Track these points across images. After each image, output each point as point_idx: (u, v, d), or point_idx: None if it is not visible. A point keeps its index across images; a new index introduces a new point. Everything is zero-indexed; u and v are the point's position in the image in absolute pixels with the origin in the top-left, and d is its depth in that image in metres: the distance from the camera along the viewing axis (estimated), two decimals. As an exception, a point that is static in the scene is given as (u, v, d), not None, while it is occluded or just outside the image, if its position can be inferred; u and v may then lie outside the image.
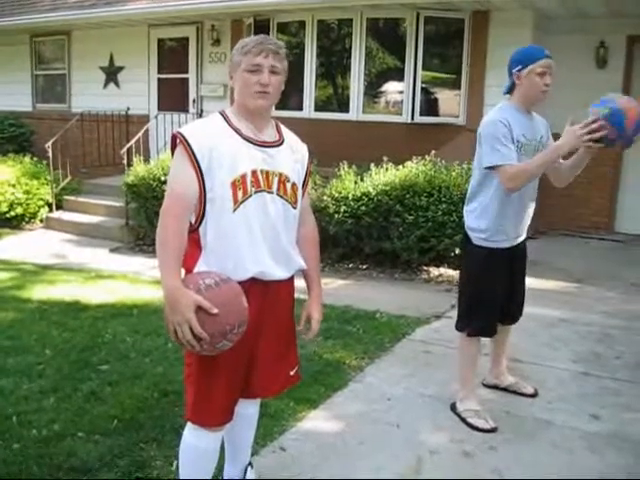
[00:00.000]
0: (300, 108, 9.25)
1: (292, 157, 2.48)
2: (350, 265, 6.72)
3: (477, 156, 3.45)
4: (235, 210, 2.28)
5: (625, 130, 3.09)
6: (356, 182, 6.70)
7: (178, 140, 2.28)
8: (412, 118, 8.49)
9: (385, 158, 6.86)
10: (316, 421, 3.55)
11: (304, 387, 3.85)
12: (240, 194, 2.29)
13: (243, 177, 2.29)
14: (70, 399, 3.71)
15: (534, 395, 3.88)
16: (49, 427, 3.37)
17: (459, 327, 3.64)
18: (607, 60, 8.40)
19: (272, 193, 2.38)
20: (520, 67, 3.32)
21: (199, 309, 2.11)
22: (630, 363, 4.47)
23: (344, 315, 5.15)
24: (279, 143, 2.46)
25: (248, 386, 2.49)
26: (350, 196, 6.54)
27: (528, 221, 3.65)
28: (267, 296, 2.42)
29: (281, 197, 2.41)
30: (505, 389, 3.94)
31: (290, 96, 9.50)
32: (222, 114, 2.41)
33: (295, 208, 2.48)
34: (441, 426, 3.53)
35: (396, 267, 6.55)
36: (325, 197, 6.67)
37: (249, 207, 2.31)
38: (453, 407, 3.68)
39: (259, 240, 2.35)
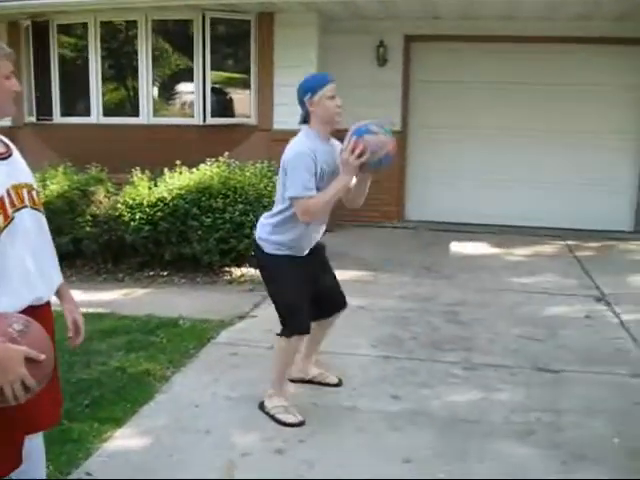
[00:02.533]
0: (88, 114, 8.86)
1: (24, 163, 2.30)
2: (151, 273, 6.53)
3: (281, 183, 3.49)
4: None
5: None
6: (150, 188, 6.52)
7: None
8: (204, 120, 8.43)
9: (178, 162, 6.74)
10: (123, 439, 3.39)
11: (108, 406, 3.69)
12: (1, 219, 2.06)
13: (1, 199, 2.07)
14: None
15: (339, 384, 4.00)
16: None
17: (282, 333, 3.60)
18: (387, 58, 8.88)
19: (26, 207, 2.18)
20: (310, 95, 3.43)
21: (26, 360, 1.89)
22: (425, 342, 4.76)
23: (146, 325, 4.98)
24: (9, 153, 2.23)
25: (29, 420, 2.21)
26: (145, 202, 6.35)
27: (321, 234, 3.73)
28: (39, 322, 2.23)
29: (35, 209, 2.23)
30: (310, 381, 4.02)
31: (76, 101, 9.07)
32: None
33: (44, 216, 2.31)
34: (251, 427, 3.52)
35: (198, 271, 6.46)
36: (119, 205, 6.43)
37: (13, 230, 2.10)
38: (261, 406, 3.69)
39: (29, 263, 2.16)
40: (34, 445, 2.42)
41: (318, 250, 3.78)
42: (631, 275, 6.80)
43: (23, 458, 2.22)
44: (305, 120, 3.50)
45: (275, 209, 3.58)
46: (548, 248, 7.98)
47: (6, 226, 2.07)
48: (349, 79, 8.79)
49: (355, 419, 3.59)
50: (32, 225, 2.19)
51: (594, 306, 5.75)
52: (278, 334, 3.61)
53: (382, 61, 8.86)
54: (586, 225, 8.76)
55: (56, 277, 2.35)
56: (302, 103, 3.47)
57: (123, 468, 3.12)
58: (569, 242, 8.26)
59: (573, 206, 8.81)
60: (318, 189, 3.38)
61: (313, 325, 3.67)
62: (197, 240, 6.25)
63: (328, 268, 3.88)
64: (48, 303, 2.29)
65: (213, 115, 8.48)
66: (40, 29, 8.91)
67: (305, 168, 3.34)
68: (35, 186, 2.28)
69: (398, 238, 8.38)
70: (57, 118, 8.98)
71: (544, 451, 3.30)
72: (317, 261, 3.76)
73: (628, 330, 5.11)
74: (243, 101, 8.83)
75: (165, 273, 6.53)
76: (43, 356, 1.92)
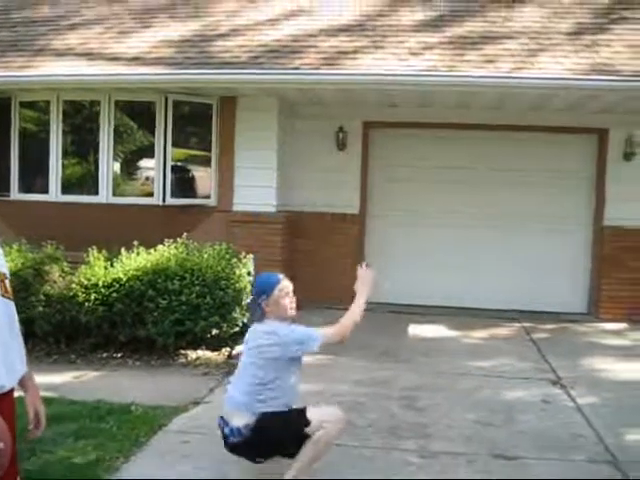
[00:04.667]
0: (46, 191, 8.79)
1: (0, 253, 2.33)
2: (104, 355, 6.39)
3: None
4: None
5: None
6: (106, 268, 6.45)
7: None
8: (164, 200, 8.43)
9: (136, 242, 6.71)
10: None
11: (51, 498, 3.54)
12: None
13: None
14: None
15: None
16: None
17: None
18: (346, 143, 9.07)
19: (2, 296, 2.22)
20: (265, 297, 3.69)
21: None
22: (382, 429, 4.70)
23: (96, 411, 4.82)
24: None
25: None
26: (100, 283, 6.27)
27: None
28: (1, 411, 2.18)
29: (7, 298, 2.25)
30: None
31: (35, 178, 9.01)
32: None
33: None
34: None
35: (153, 353, 6.34)
36: (74, 285, 6.33)
37: None
38: None
39: None
40: None
41: None
42: (585, 358, 6.86)
43: None
44: (261, 318, 3.73)
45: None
46: (504, 330, 8.03)
47: None
48: (310, 162, 9.00)
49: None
50: (2, 314, 2.21)
51: (550, 390, 5.77)
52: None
53: (342, 146, 9.05)
54: (541, 307, 8.88)
55: (20, 367, 2.34)
56: (259, 304, 3.71)
57: None
58: (525, 324, 8.34)
59: (528, 289, 8.93)
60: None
61: None
62: (152, 322, 6.16)
63: None
64: (11, 391, 2.28)
65: (173, 195, 8.49)
66: (2, 106, 8.93)
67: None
68: (8, 275, 2.29)
69: (361, 320, 8.36)
70: (15, 194, 8.88)
71: None
72: None
73: (584, 414, 5.12)
74: (204, 180, 8.89)
75: (119, 355, 6.39)
76: (1, 444, 1.88)
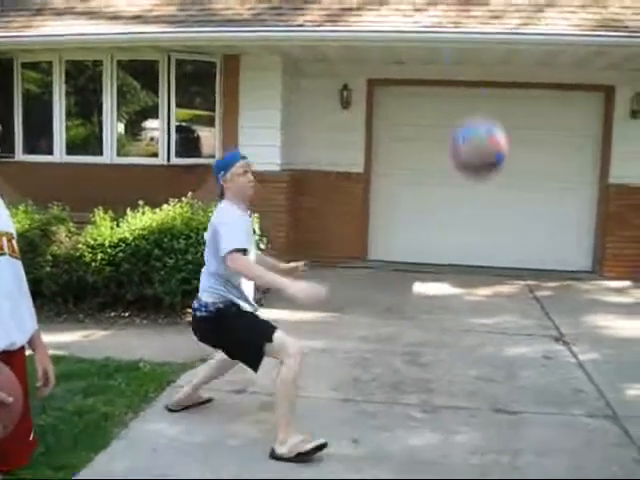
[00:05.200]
0: (50, 152, 8.82)
1: (6, 213, 2.36)
2: (112, 314, 6.47)
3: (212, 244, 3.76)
4: None
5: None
6: (112, 228, 6.50)
7: None
8: (168, 160, 8.45)
9: (141, 202, 6.74)
10: (78, 487, 3.35)
11: (64, 452, 3.63)
12: None
13: None
14: None
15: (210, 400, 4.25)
16: None
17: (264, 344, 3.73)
18: (350, 101, 9.02)
19: (5, 254, 2.25)
20: (223, 172, 3.77)
21: None
22: (385, 385, 4.78)
23: (105, 369, 4.91)
24: None
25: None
26: (107, 243, 6.32)
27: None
28: (13, 368, 2.25)
29: (14, 257, 2.29)
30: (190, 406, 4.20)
31: (39, 139, 9.02)
32: None
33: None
34: (210, 470, 3.49)
35: (160, 312, 6.41)
36: (80, 245, 6.39)
37: None
38: (274, 455, 3.62)
39: (5, 309, 2.20)
40: None
41: None
42: (588, 315, 6.92)
43: None
44: (221, 195, 3.84)
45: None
46: (508, 288, 8.09)
47: None
48: (314, 121, 8.96)
49: (314, 463, 3.58)
50: (9, 272, 2.26)
51: (552, 346, 5.84)
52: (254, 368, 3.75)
53: (346, 104, 9.00)
54: (546, 265, 8.91)
55: (30, 325, 2.39)
56: (218, 181, 3.81)
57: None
58: (529, 282, 8.39)
59: (533, 247, 8.95)
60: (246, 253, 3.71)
61: (219, 358, 4.07)
62: (159, 281, 6.22)
63: None
64: (22, 348, 2.34)
65: (177, 155, 8.50)
66: (4, 66, 8.90)
67: (238, 227, 3.67)
68: (15, 235, 2.33)
69: (361, 278, 8.43)
70: (19, 156, 8.91)
71: (502, 493, 3.33)
72: None
73: (585, 370, 5.19)
74: (208, 139, 8.89)
75: (127, 314, 6.47)
76: (11, 399, 1.93)
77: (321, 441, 3.60)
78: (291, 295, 3.49)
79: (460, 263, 8.85)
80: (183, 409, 4.19)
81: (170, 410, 4.20)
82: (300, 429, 3.79)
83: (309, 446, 3.58)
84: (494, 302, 7.45)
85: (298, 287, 3.51)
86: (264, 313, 6.48)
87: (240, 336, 3.77)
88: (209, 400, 4.33)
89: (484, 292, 7.86)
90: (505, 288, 8.07)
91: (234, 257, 3.60)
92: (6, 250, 2.26)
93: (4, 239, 2.26)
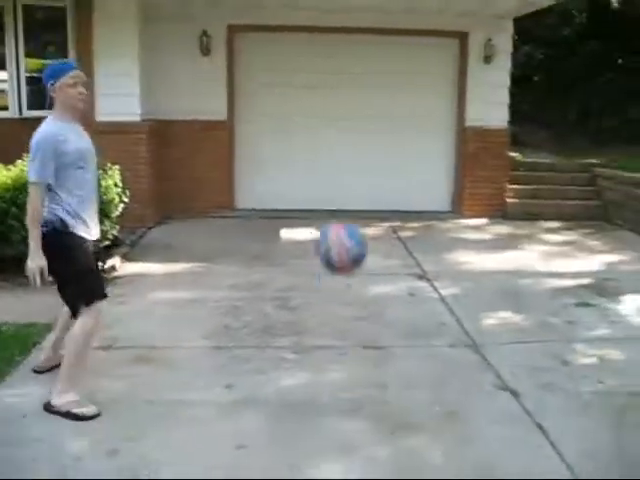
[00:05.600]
0: None
1: None
2: (-31, 277, 6.13)
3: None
4: None
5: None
6: (-38, 187, 6.10)
7: None
8: (20, 113, 8.00)
9: (-7, 158, 6.36)
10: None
11: None
12: None
13: None
14: None
15: None
16: None
17: (90, 299, 3.64)
18: (210, 48, 8.82)
19: None
20: (52, 81, 3.58)
21: None
22: (257, 330, 4.85)
23: (-35, 334, 4.69)
24: None
25: None
26: (-42, 202, 5.94)
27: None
28: None
29: None
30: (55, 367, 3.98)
31: None
32: None
33: None
34: (83, 431, 3.43)
35: (21, 272, 6.11)
36: None
37: None
38: (48, 406, 3.61)
39: None
40: None
41: None
42: (449, 252, 7.29)
43: None
44: (50, 105, 3.65)
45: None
46: (373, 230, 8.32)
47: None
48: (175, 69, 8.73)
49: (188, 412, 3.61)
50: None
51: (416, 283, 6.12)
52: (76, 312, 3.67)
53: (206, 51, 8.80)
54: (408, 207, 9.24)
55: None
56: (47, 89, 3.61)
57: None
58: (393, 224, 8.68)
59: (396, 189, 9.23)
60: (81, 168, 3.59)
61: (63, 311, 3.95)
62: (20, 240, 5.91)
63: None
64: None
65: (30, 107, 8.04)
66: None
67: (47, 155, 3.47)
68: None
69: (229, 227, 8.41)
70: None
71: (373, 424, 3.51)
72: None
73: (446, 304, 5.50)
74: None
75: (-16, 276, 6.15)
76: None
77: (94, 412, 3.57)
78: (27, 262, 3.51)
79: (325, 208, 9.00)
80: (49, 370, 4.04)
81: (36, 372, 4.08)
82: (173, 380, 3.81)
83: (80, 411, 3.56)
84: (360, 244, 7.65)
85: (32, 266, 3.49)
86: (133, 266, 6.47)
87: (66, 272, 3.64)
88: None
89: (350, 235, 8.04)
90: (370, 230, 8.28)
91: (31, 189, 3.53)
92: None
93: None
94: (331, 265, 3.67)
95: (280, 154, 9.22)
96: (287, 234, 8.11)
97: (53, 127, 3.56)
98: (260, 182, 9.20)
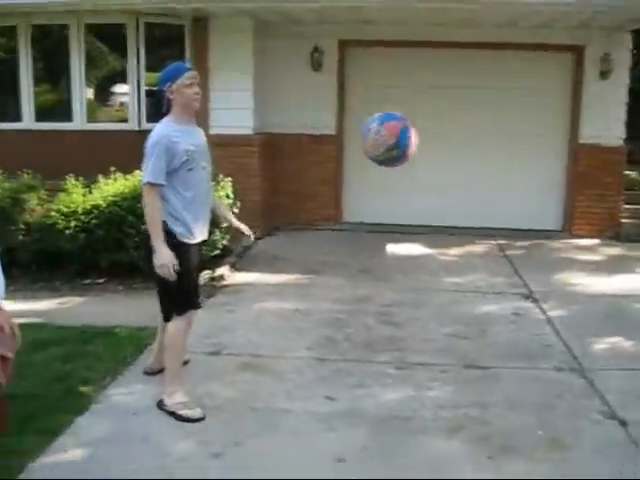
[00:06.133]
0: (19, 119, 8.71)
1: None
2: (87, 281, 6.47)
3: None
4: None
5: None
6: (85, 195, 6.48)
7: None
8: (139, 125, 8.41)
9: (113, 168, 6.71)
10: (60, 451, 3.39)
11: (44, 417, 3.68)
12: None
13: None
14: None
15: (186, 362, 4.19)
16: None
17: (178, 311, 3.79)
18: (322, 63, 8.98)
19: None
20: (170, 83, 3.68)
21: None
22: (359, 344, 4.88)
23: (83, 335, 4.94)
24: None
25: None
26: (80, 210, 6.31)
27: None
28: None
29: None
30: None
31: (8, 106, 8.89)
32: None
33: None
34: (189, 432, 3.57)
35: (135, 277, 6.42)
36: (53, 213, 6.37)
37: None
38: (160, 404, 3.79)
39: None
40: None
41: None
42: (557, 272, 7.07)
43: None
44: (168, 109, 3.73)
45: None
46: (480, 248, 8.22)
47: None
48: (285, 84, 8.93)
49: (290, 421, 3.69)
50: None
51: (522, 303, 5.98)
52: (167, 319, 3.85)
53: (317, 66, 8.96)
54: (516, 225, 9.03)
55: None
56: (163, 92, 3.70)
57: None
58: (500, 241, 8.53)
59: (505, 207, 9.06)
60: (190, 170, 3.65)
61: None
62: (133, 247, 6.23)
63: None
64: None
65: (148, 120, 8.44)
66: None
67: (161, 156, 3.58)
68: None
69: (336, 240, 8.50)
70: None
71: (472, 445, 3.46)
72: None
73: (553, 326, 5.35)
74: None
75: (102, 280, 6.48)
76: (10, 354, 1.96)
77: (199, 415, 3.70)
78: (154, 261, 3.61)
79: (433, 224, 8.95)
80: (159, 372, 4.20)
81: (147, 374, 4.26)
82: (276, 389, 3.89)
83: (185, 413, 3.70)
84: (466, 261, 7.58)
85: (161, 261, 3.58)
86: (241, 276, 6.66)
87: (167, 282, 3.71)
88: (185, 362, 4.33)
89: (456, 252, 7.98)
90: (476, 248, 8.20)
91: (146, 190, 3.63)
92: None
93: None
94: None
95: (388, 169, 9.21)
96: (393, 249, 8.11)
97: (166, 129, 3.66)
98: (368, 196, 9.24)
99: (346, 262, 7.29)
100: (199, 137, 3.84)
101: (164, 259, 3.58)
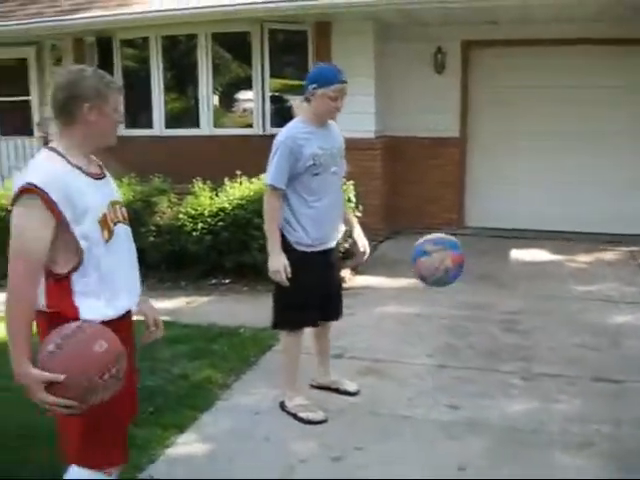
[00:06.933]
0: (150, 126, 9.12)
1: (114, 183, 2.53)
2: (213, 281, 6.68)
3: None
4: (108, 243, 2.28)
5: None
6: (212, 198, 6.68)
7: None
8: (264, 130, 8.60)
9: (239, 172, 6.89)
10: (185, 445, 3.53)
11: (170, 412, 3.83)
12: (106, 234, 2.28)
13: (105, 216, 2.29)
14: None
15: (357, 393, 4.03)
16: None
17: (278, 325, 3.85)
18: (445, 65, 8.85)
19: (124, 223, 2.42)
20: (315, 86, 3.51)
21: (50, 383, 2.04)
22: (482, 352, 4.75)
23: (208, 334, 5.11)
24: (104, 174, 2.46)
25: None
26: (206, 212, 6.51)
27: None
28: (122, 331, 2.38)
29: (126, 224, 2.45)
30: (329, 387, 4.08)
31: (140, 114, 9.33)
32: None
33: None
34: (310, 434, 3.60)
35: (259, 279, 6.52)
36: (181, 215, 6.61)
37: (113, 244, 2.31)
38: (282, 406, 3.82)
39: (122, 274, 2.37)
40: None
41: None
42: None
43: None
44: (306, 100, 3.61)
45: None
46: (610, 254, 7.80)
47: (109, 239, 2.28)
48: (407, 87, 8.86)
49: (411, 428, 3.64)
50: (125, 238, 2.41)
51: (658, 315, 5.64)
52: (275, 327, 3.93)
53: (440, 68, 8.84)
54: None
55: (139, 289, 2.52)
56: (306, 88, 3.57)
57: (185, 473, 3.25)
58: (632, 248, 8.06)
59: (633, 212, 8.56)
60: (316, 174, 3.54)
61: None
62: (258, 249, 6.35)
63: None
64: (129, 312, 2.47)
65: (272, 125, 8.61)
66: (104, 45, 9.23)
67: (285, 160, 3.51)
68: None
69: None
70: (121, 131, 9.17)
71: (601, 463, 3.29)
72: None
73: (694, 339, 5.00)
74: (302, 109, 8.90)
75: (227, 281, 6.66)
76: (61, 377, 2.02)
77: (321, 417, 3.69)
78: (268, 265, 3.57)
79: (558, 229, 8.60)
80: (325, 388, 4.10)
81: (312, 387, 4.12)
82: (397, 394, 3.85)
83: (306, 415, 3.70)
84: (595, 269, 7.22)
85: (274, 266, 3.54)
86: (362, 279, 6.65)
87: (278, 290, 3.72)
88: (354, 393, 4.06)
89: (584, 259, 7.62)
90: (605, 254, 7.79)
91: (267, 191, 3.59)
92: (120, 217, 2.40)
93: (117, 207, 2.40)
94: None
95: (511, 172, 8.97)
96: (517, 255, 7.85)
97: (294, 130, 3.57)
98: (491, 200, 9.01)
99: (467, 267, 7.06)
100: (332, 139, 3.67)
101: (276, 265, 3.52)
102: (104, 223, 2.27)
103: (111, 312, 2.29)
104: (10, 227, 2.17)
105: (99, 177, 2.38)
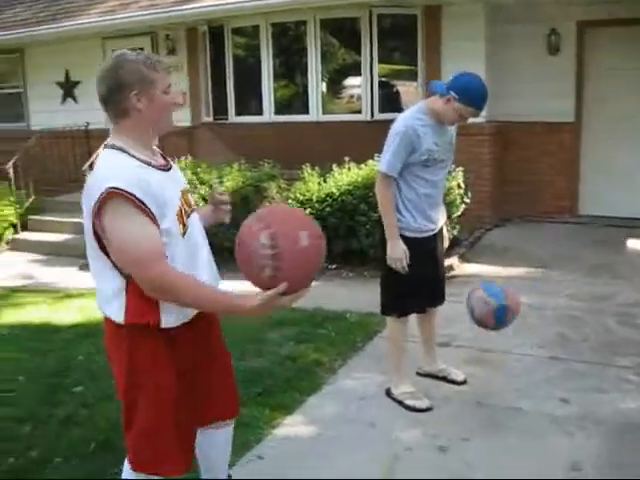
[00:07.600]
0: (260, 113, 9.28)
1: (179, 170, 2.51)
2: (320, 266, 6.75)
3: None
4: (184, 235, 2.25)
5: (504, 323, 3.52)
6: (320, 183, 6.75)
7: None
8: (372, 116, 8.57)
9: (347, 158, 6.91)
10: (292, 426, 3.60)
11: (278, 393, 3.91)
12: (181, 228, 2.24)
13: (180, 209, 2.26)
14: (46, 425, 3.70)
15: (464, 382, 3.98)
16: (26, 455, 3.37)
17: (387, 311, 3.82)
18: (559, 47, 8.51)
19: (193, 210, 2.39)
20: (457, 97, 3.41)
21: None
22: (595, 345, 4.58)
23: (314, 318, 5.18)
24: (170, 165, 2.39)
25: (207, 413, 2.47)
26: (314, 198, 6.58)
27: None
28: (205, 319, 2.41)
29: (195, 210, 2.43)
30: (436, 375, 4.05)
31: (249, 101, 9.51)
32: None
33: None
34: (416, 422, 3.59)
35: (365, 265, 6.58)
36: (290, 200, 6.71)
37: (188, 235, 2.27)
38: (388, 392, 3.83)
39: (200, 260, 2.34)
40: (214, 442, 2.64)
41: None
42: None
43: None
44: (442, 94, 3.49)
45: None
46: None
47: (184, 234, 2.25)
48: (518, 70, 8.59)
49: (520, 420, 3.56)
50: (197, 226, 2.38)
51: None
52: (384, 313, 3.90)
53: (554, 50, 8.51)
54: None
55: (217, 273, 2.47)
56: (443, 89, 3.47)
57: (291, 453, 3.32)
58: None
59: None
60: (427, 166, 3.54)
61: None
62: (365, 235, 6.38)
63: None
64: None
65: (381, 111, 8.58)
66: (216, 33, 9.46)
67: (402, 144, 3.47)
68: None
69: (570, 234, 8.03)
70: (232, 117, 9.48)
71: None
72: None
73: None
74: (409, 94, 8.86)
75: (334, 266, 6.71)
76: (284, 285, 2.04)
77: (426, 405, 3.69)
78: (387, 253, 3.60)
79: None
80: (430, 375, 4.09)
81: (419, 374, 4.11)
82: (506, 385, 3.77)
83: (412, 403, 3.70)
84: None
85: (395, 254, 3.59)
86: (470, 267, 6.55)
87: (383, 269, 3.74)
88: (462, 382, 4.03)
89: None
90: None
91: (379, 178, 3.60)
92: (192, 205, 2.38)
93: (188, 195, 2.38)
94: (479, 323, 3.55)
95: (630, 159, 8.53)
96: (634, 245, 7.48)
97: (415, 120, 3.51)
98: (607, 188, 8.61)
99: (581, 256, 6.87)
100: (446, 135, 3.64)
101: (397, 253, 3.55)
102: (180, 217, 2.21)
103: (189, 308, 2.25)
104: (106, 238, 2.11)
105: (167, 168, 2.32)
